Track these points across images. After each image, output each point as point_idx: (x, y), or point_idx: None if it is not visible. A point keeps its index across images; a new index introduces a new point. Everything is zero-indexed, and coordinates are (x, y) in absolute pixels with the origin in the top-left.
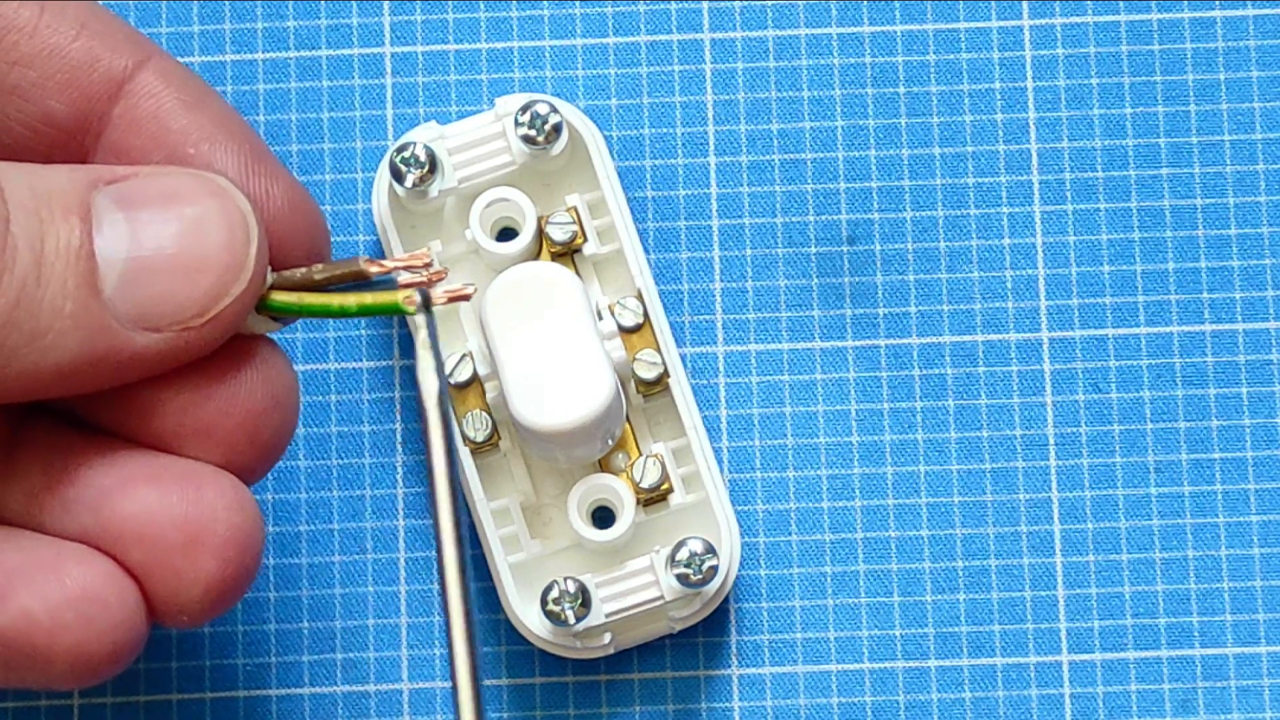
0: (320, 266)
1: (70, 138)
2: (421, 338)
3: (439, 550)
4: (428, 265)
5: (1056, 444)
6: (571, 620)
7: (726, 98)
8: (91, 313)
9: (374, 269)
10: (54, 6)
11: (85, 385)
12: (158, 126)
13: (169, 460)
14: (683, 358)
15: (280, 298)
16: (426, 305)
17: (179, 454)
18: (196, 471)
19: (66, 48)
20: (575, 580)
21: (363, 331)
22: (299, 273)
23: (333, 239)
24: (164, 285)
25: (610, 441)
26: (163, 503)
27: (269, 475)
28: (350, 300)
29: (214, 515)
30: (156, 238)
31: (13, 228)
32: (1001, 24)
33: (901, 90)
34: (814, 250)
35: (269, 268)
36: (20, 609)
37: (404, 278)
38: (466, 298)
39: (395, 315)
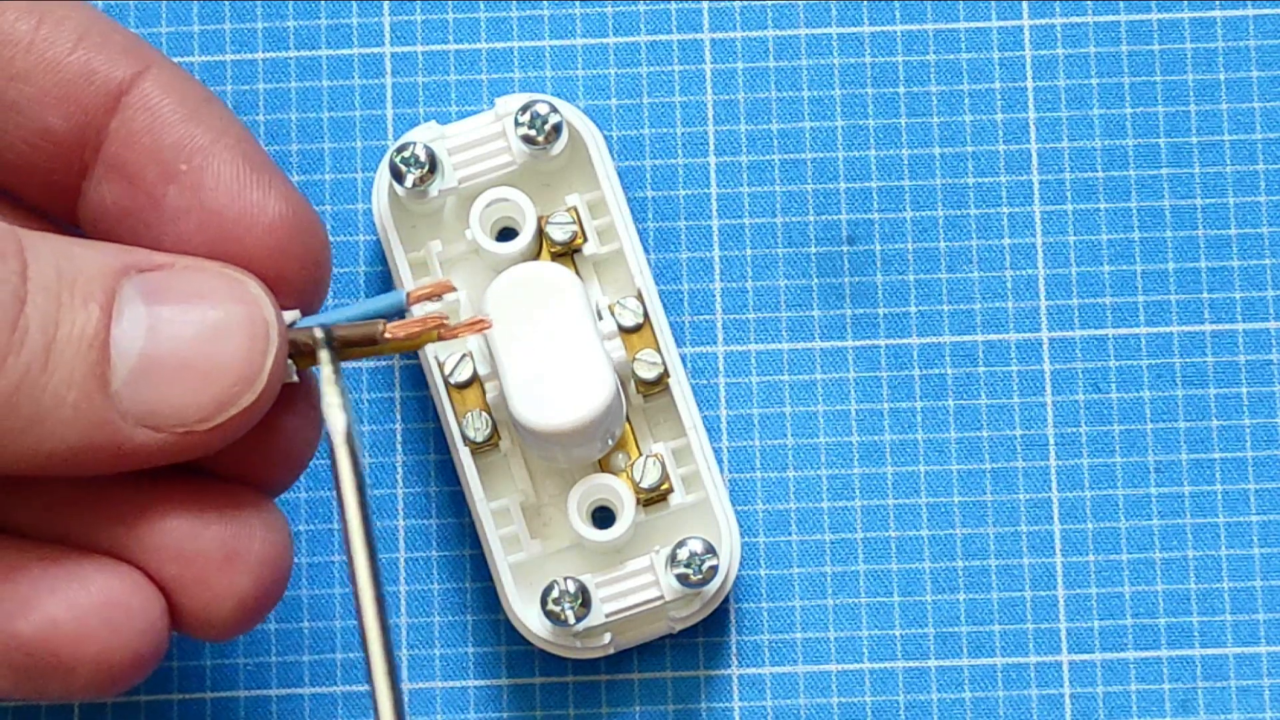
0: (338, 331)
1: (69, 152)
2: (326, 374)
3: (354, 585)
4: (442, 323)
5: (1056, 444)
6: (571, 620)
7: (726, 98)
8: (94, 405)
9: (388, 334)
10: (51, 19)
11: (77, 471)
12: (152, 140)
13: (207, 479)
14: (683, 358)
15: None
16: (329, 342)
17: (214, 473)
18: (235, 491)
19: (63, 61)
20: (575, 580)
21: None
22: (316, 335)
23: (333, 239)
24: (172, 386)
25: (610, 441)
26: (204, 520)
27: None
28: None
29: (251, 533)
30: (174, 337)
31: (28, 309)
32: (1001, 24)
33: (901, 90)
34: (814, 250)
35: (292, 319)
36: (46, 617)
37: (418, 310)
38: (486, 328)
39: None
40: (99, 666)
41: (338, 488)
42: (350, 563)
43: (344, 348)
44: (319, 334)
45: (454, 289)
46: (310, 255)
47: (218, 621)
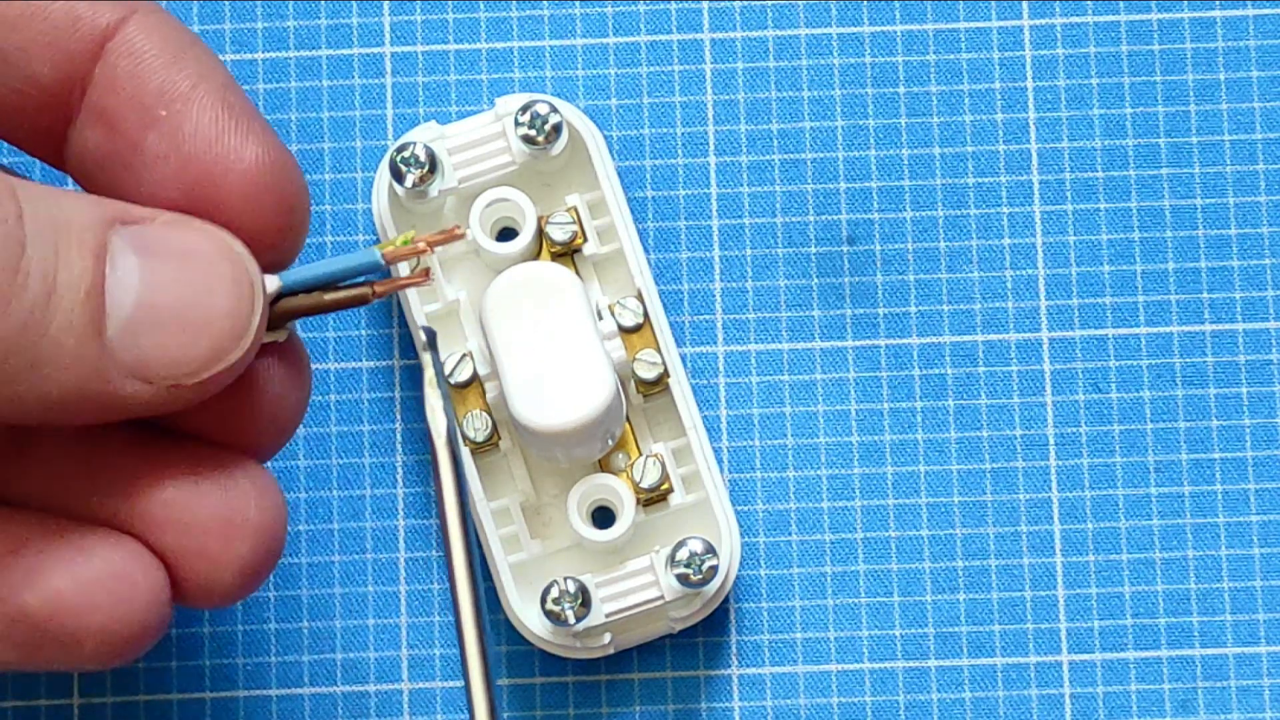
0: (328, 295)
1: (56, 99)
2: (429, 376)
3: (453, 590)
4: (427, 273)
5: (1056, 444)
6: (571, 620)
7: (726, 98)
8: (90, 352)
9: (381, 289)
10: None
11: (67, 420)
12: (134, 86)
13: (200, 447)
14: (683, 358)
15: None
16: (433, 344)
17: (205, 439)
18: (228, 458)
19: (48, 7)
20: (575, 580)
21: (363, 331)
22: (307, 299)
23: (332, 239)
24: (164, 339)
25: (610, 441)
26: (199, 489)
27: None
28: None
29: (247, 501)
30: (166, 290)
31: (29, 252)
32: (1001, 24)
33: (901, 90)
34: (814, 250)
35: (278, 281)
36: (51, 589)
37: (404, 270)
38: (460, 236)
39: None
40: (104, 638)
41: (438, 491)
42: (450, 570)
43: (330, 310)
44: (423, 337)
45: (430, 250)
46: (286, 201)
47: (219, 590)
